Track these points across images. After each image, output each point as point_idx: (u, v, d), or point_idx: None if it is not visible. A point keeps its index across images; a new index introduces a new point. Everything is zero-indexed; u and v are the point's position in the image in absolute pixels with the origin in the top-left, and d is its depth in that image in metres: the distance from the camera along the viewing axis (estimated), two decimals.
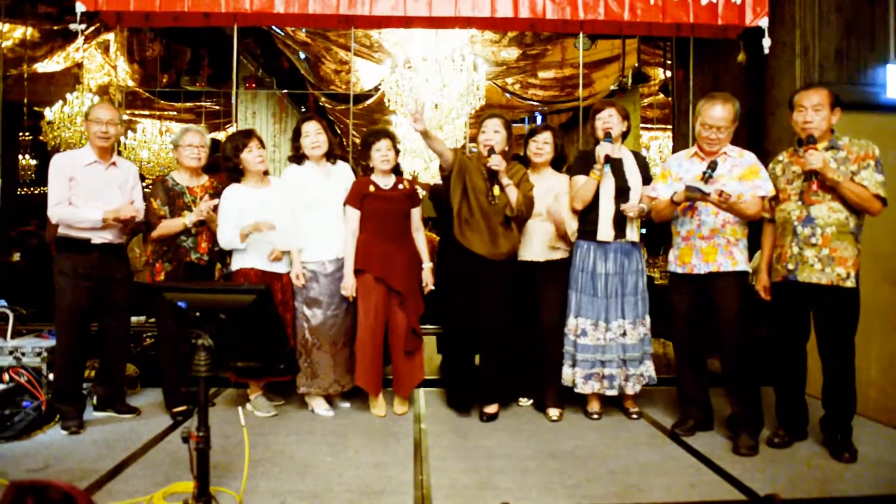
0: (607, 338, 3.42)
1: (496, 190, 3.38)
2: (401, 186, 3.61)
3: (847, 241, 2.95)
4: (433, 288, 3.65)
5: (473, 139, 4.36)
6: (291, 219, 3.49)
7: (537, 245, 3.57)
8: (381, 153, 3.55)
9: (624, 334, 3.44)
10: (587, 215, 3.45)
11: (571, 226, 3.48)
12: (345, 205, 3.55)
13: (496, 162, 3.34)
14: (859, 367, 3.01)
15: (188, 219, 3.39)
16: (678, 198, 3.10)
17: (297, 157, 3.60)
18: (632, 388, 3.47)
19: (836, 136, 3.01)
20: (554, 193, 3.54)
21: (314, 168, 3.59)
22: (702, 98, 3.24)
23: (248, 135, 3.55)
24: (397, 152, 3.64)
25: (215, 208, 3.41)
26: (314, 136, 3.55)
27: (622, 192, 3.43)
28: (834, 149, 2.98)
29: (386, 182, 3.58)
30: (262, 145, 3.58)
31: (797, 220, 3.01)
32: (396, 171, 3.67)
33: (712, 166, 3.05)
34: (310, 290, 3.52)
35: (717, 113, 3.10)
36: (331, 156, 3.65)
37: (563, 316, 3.53)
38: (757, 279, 3.25)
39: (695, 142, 3.29)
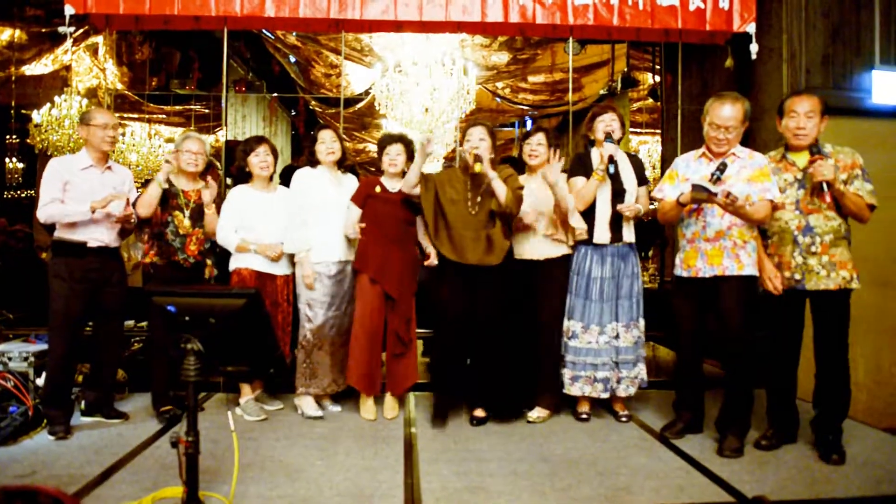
0: (601, 341, 3.43)
1: (478, 167, 3.26)
2: None
3: (843, 246, 2.99)
4: (436, 263, 3.59)
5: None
6: (300, 220, 3.53)
7: (535, 244, 3.55)
8: (389, 157, 3.62)
9: (617, 337, 3.45)
10: (584, 218, 3.44)
11: (580, 225, 3.43)
12: (350, 200, 3.61)
13: (474, 148, 3.34)
14: None
15: (159, 177, 3.42)
16: (684, 199, 3.04)
17: (312, 161, 3.69)
18: (625, 391, 3.48)
19: (820, 143, 3.01)
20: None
21: (326, 173, 3.66)
22: (711, 99, 3.15)
23: (259, 140, 3.69)
24: (410, 158, 3.66)
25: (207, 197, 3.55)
26: (330, 143, 3.64)
27: (618, 195, 3.45)
28: (821, 156, 2.96)
29: (394, 185, 3.61)
30: (273, 153, 3.69)
31: (797, 230, 3.00)
32: None
33: (721, 168, 2.98)
34: (313, 290, 3.53)
35: (726, 112, 3.04)
36: (342, 165, 3.74)
37: (562, 318, 3.53)
38: (762, 277, 3.09)
39: (689, 146, 3.29)
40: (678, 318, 3.27)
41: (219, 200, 3.65)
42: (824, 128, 3.04)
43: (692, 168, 3.21)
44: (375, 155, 3.86)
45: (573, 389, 3.48)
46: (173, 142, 3.70)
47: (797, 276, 3.02)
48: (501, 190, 3.32)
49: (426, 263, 3.65)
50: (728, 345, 3.08)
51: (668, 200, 3.20)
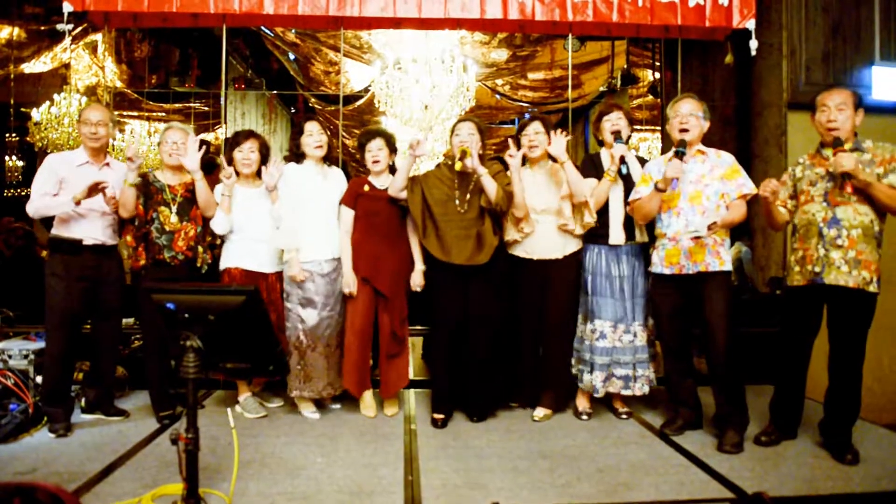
0: (624, 340, 3.44)
1: (459, 165, 3.25)
2: None
3: (871, 245, 2.92)
4: (419, 290, 3.59)
5: None
6: (290, 217, 3.48)
7: (551, 242, 3.50)
8: (371, 154, 3.56)
9: (636, 335, 3.46)
10: (598, 219, 3.43)
11: (589, 217, 3.42)
12: (340, 204, 3.57)
13: (463, 142, 3.33)
14: None
15: (128, 176, 3.28)
16: (662, 183, 3.13)
17: (297, 155, 3.62)
18: (640, 389, 3.47)
19: (859, 139, 2.98)
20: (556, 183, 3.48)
21: (313, 168, 3.60)
22: (672, 101, 3.33)
23: (247, 135, 3.59)
24: (393, 152, 3.63)
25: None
26: (318, 135, 3.57)
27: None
28: (858, 150, 2.93)
29: (382, 182, 3.56)
30: (260, 149, 3.58)
31: (822, 222, 2.96)
32: (393, 171, 3.62)
33: (682, 145, 3.12)
34: (306, 290, 3.49)
35: (685, 108, 3.22)
36: (327, 159, 3.67)
37: (571, 317, 3.52)
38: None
39: None
40: (660, 314, 3.33)
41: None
42: (860, 122, 2.99)
43: (664, 171, 3.26)
44: None
45: (604, 390, 3.47)
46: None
47: (817, 269, 2.97)
48: (491, 186, 3.30)
49: (413, 289, 3.60)
50: (714, 336, 3.12)
51: (646, 195, 3.26)
